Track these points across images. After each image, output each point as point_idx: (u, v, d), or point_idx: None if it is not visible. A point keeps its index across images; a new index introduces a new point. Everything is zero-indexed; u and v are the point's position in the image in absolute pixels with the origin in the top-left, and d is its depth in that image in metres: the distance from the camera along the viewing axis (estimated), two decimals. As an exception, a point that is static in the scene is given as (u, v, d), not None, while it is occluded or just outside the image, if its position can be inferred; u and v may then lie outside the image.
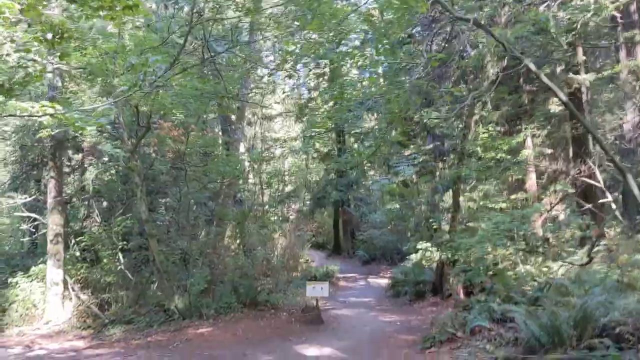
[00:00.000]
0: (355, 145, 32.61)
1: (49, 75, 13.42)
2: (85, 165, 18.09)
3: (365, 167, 31.86)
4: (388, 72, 12.71)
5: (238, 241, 15.65)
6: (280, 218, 23.90)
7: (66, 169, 17.04)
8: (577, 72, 17.68)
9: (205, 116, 13.77)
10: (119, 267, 13.99)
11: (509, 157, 15.47)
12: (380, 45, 9.63)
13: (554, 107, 18.77)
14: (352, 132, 29.31)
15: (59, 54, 5.97)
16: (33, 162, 18.44)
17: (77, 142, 15.76)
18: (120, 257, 13.96)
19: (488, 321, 7.92)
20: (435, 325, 9.46)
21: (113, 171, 17.15)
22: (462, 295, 12.69)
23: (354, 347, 8.98)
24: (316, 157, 33.53)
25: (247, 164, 20.45)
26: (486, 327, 7.77)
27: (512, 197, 16.16)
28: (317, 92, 29.80)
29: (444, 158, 18.34)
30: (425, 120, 18.82)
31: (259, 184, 19.43)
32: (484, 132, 15.50)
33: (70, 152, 17.06)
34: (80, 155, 17.99)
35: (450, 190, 18.41)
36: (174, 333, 11.76)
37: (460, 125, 16.91)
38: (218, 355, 9.18)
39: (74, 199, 17.08)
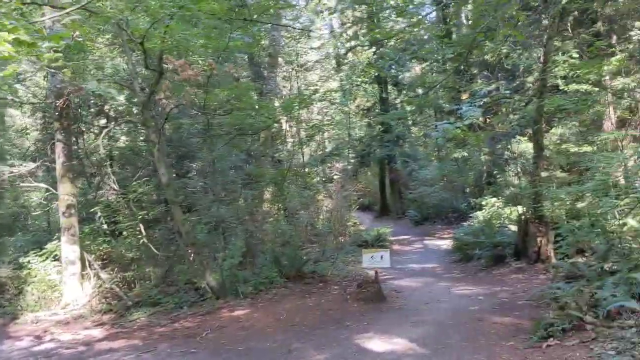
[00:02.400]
0: (398, 100, 30.11)
1: None
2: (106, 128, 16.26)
3: (411, 121, 29.35)
4: None
5: (277, 205, 13.54)
6: (324, 178, 21.71)
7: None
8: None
9: (229, 57, 11.49)
10: (142, 241, 12.09)
11: (596, 89, 12.79)
12: None
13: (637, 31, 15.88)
14: (396, 76, 26.73)
15: None
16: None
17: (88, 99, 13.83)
18: (142, 229, 12.05)
19: (635, 300, 5.56)
20: (540, 301, 7.20)
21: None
22: (553, 260, 10.30)
23: (434, 336, 6.73)
24: (358, 112, 31.15)
25: (284, 121, 18.26)
26: (633, 309, 5.42)
27: (600, 138, 13.55)
28: (356, 41, 27.22)
29: (510, 98, 15.73)
30: (485, 56, 16.23)
31: (297, 140, 17.10)
32: (564, 61, 12.81)
33: (84, 113, 15.24)
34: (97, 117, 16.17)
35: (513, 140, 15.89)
36: (205, 317, 9.80)
37: (537, 55, 14.22)
38: (256, 350, 7.13)
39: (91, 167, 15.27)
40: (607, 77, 14.09)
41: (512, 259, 11.02)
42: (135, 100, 11.59)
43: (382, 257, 9.30)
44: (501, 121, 13.30)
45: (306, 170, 15.54)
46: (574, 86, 12.48)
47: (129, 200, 11.89)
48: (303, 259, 12.79)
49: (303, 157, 18.06)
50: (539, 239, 10.37)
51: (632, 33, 15.36)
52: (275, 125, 17.23)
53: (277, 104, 17.62)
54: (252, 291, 11.04)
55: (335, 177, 22.26)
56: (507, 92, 13.28)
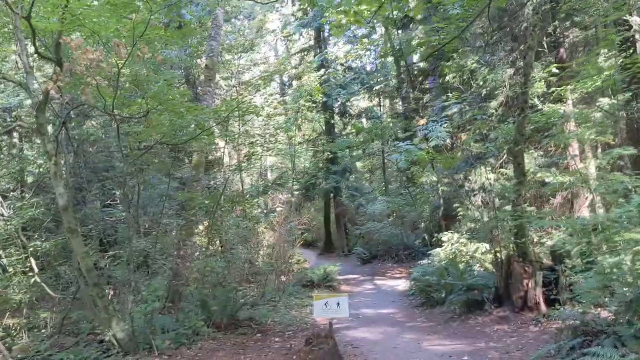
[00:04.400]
0: (346, 130, 28.66)
1: None
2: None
3: (361, 151, 27.86)
4: None
5: (209, 238, 11.29)
6: (265, 210, 19.57)
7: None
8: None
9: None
10: (33, 279, 9.57)
11: (575, 110, 11.44)
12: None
13: (601, 60, 14.89)
14: (344, 104, 25.26)
15: None
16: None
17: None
18: (33, 264, 9.54)
19: None
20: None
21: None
22: (543, 307, 8.54)
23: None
24: (304, 142, 29.42)
25: (221, 144, 16.13)
26: None
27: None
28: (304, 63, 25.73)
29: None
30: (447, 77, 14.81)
31: (236, 163, 14.85)
32: (540, 79, 11.44)
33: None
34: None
35: (478, 167, 14.37)
36: (104, 383, 7.44)
37: (502, 75, 12.84)
38: None
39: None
40: (570, 102, 12.84)
41: (491, 305, 9.15)
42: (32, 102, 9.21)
43: (338, 304, 7.24)
44: (472, 140, 11.58)
45: (247, 199, 13.40)
46: (551, 107, 11.08)
47: (17, 229, 9.37)
48: (238, 302, 10.59)
49: (242, 184, 15.91)
50: (525, 282, 8.59)
51: (600, 59, 14.37)
52: (212, 147, 15.13)
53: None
54: (171, 345, 8.71)
55: (278, 209, 20.13)
56: (480, 114, 11.63)
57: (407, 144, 10.99)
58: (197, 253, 10.45)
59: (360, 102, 32.78)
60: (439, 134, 10.64)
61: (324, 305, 7.27)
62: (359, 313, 11.71)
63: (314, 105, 22.31)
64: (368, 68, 28.41)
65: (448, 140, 11.34)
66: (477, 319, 9.01)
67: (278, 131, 16.83)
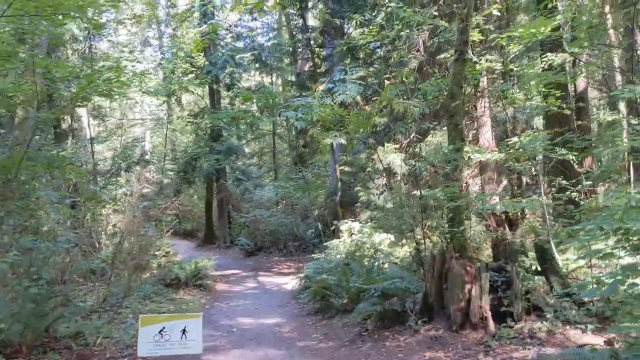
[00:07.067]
0: (235, 105, 25.54)
1: None
2: None
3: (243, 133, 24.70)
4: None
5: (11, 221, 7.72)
6: (127, 191, 15.91)
7: None
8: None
9: None
10: None
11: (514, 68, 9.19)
12: None
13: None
14: (231, 75, 21.89)
15: None
16: None
17: None
18: None
19: None
20: None
21: None
22: (492, 324, 6.01)
23: None
24: (184, 118, 25.82)
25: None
26: None
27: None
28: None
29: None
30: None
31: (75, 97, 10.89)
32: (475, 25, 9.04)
33: None
34: None
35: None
36: None
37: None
38: None
39: None
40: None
41: (417, 319, 6.49)
42: None
43: (183, 332, 4.21)
44: (394, 91, 8.73)
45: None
46: (487, 64, 8.72)
47: None
48: (54, 313, 7.25)
49: (93, 155, 12.30)
50: (466, 288, 6.05)
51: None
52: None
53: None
54: None
55: (144, 190, 16.59)
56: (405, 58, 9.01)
57: (306, 98, 8.15)
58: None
59: (252, 80, 29.84)
60: (349, 85, 7.89)
61: (159, 335, 4.20)
62: (234, 324, 8.73)
63: (194, 69, 18.88)
64: (261, 40, 25.33)
65: (359, 98, 8.64)
66: (398, 340, 6.31)
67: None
